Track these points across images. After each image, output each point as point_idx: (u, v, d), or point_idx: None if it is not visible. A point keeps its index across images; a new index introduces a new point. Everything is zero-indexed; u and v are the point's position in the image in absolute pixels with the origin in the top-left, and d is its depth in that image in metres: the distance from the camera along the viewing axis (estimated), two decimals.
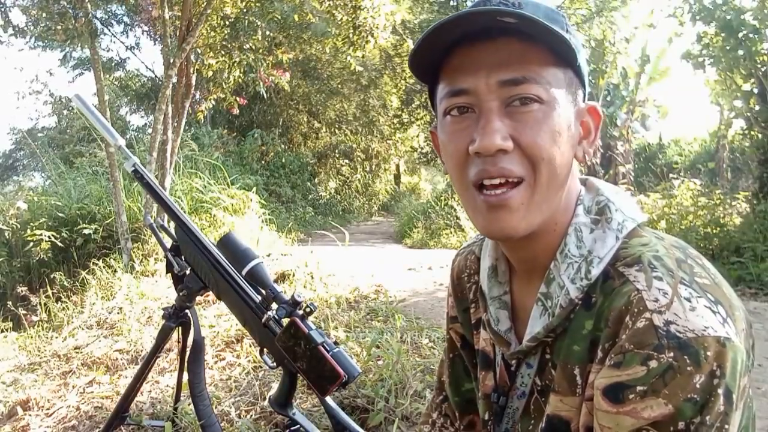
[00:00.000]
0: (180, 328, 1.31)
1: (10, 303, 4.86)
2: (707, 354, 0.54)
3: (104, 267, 4.90)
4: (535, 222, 0.65)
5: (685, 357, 0.54)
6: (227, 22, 6.44)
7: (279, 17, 6.87)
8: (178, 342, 1.42)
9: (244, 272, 1.03)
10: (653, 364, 0.55)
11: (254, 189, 7.27)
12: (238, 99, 7.19)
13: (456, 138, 0.65)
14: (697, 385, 0.53)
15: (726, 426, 0.54)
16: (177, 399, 1.70)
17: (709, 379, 0.54)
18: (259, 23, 6.39)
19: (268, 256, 5.19)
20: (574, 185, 0.70)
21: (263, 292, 1.04)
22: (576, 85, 0.66)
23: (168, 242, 1.23)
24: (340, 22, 6.44)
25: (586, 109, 0.68)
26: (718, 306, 0.58)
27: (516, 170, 0.62)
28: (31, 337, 3.70)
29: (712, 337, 0.54)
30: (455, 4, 13.29)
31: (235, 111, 7.27)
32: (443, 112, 0.67)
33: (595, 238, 0.66)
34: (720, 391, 0.54)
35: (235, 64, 6.54)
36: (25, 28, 6.21)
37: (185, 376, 1.29)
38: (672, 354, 0.54)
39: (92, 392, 2.52)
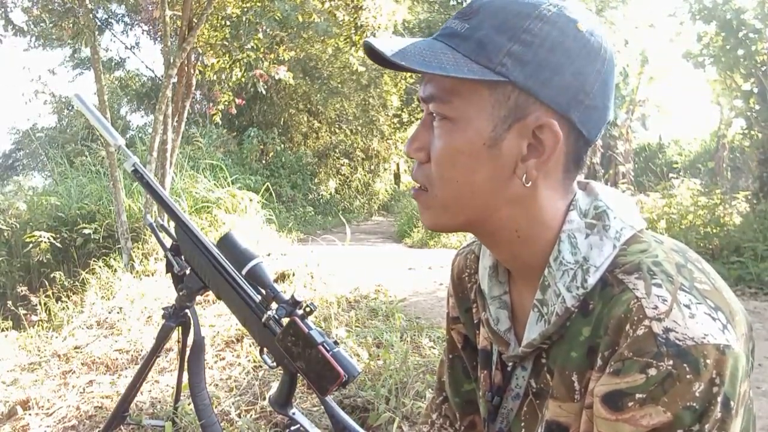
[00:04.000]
0: (180, 328, 1.30)
1: (10, 303, 4.86)
2: (707, 362, 0.54)
3: (104, 267, 4.91)
4: (445, 224, 0.70)
5: (685, 365, 0.54)
6: (228, 22, 6.44)
7: (279, 16, 6.85)
8: (178, 342, 1.42)
9: (243, 272, 1.03)
10: (652, 371, 0.54)
11: (261, 191, 7.23)
12: (236, 99, 7.20)
13: None
14: (697, 393, 0.53)
15: None
16: (177, 399, 1.70)
17: (708, 387, 0.53)
18: (260, 22, 6.39)
19: (268, 256, 5.19)
20: (553, 194, 0.67)
21: (263, 291, 1.03)
22: (517, 101, 0.62)
23: (168, 242, 1.23)
24: (341, 22, 6.44)
25: (538, 125, 0.63)
26: (718, 312, 0.57)
27: (420, 179, 0.69)
28: (31, 336, 3.70)
29: (712, 344, 0.54)
30: (455, 3, 13.28)
31: (233, 111, 7.28)
32: None
33: (590, 244, 0.65)
34: (719, 399, 0.54)
35: (237, 63, 6.54)
36: (25, 28, 6.22)
37: (185, 376, 1.29)
38: (671, 362, 0.54)
39: (92, 392, 2.52)
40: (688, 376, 0.53)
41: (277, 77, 7.00)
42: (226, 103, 7.00)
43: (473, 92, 0.63)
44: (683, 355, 0.54)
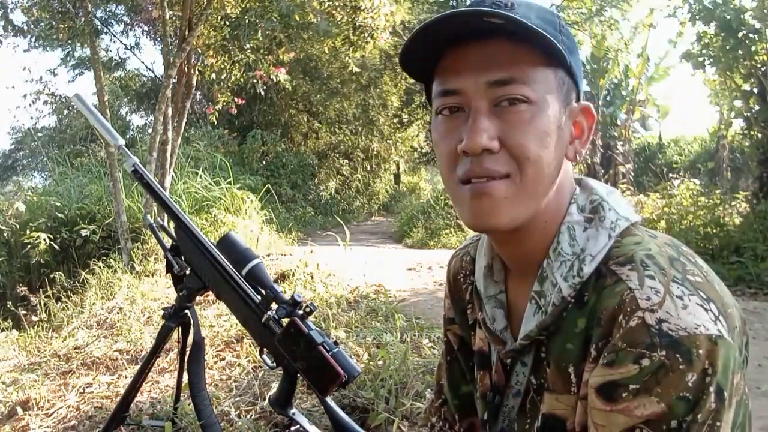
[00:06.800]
0: (180, 328, 1.30)
1: (10, 303, 4.86)
2: (699, 352, 0.54)
3: (104, 267, 4.91)
4: (519, 216, 0.65)
5: (677, 355, 0.54)
6: (227, 22, 6.45)
7: (278, 17, 6.85)
8: (178, 342, 1.42)
9: (243, 272, 1.03)
10: (645, 362, 0.55)
11: (261, 191, 7.20)
12: (236, 99, 7.20)
13: (446, 137, 0.66)
14: (689, 384, 0.54)
15: (718, 423, 0.55)
16: (177, 399, 1.70)
17: (701, 377, 0.54)
18: (259, 22, 6.40)
19: (268, 256, 5.20)
20: (567, 184, 0.70)
21: (263, 292, 1.04)
22: (568, 85, 0.66)
23: (168, 242, 1.23)
24: (339, 23, 6.44)
25: (580, 109, 0.68)
26: (710, 303, 0.58)
27: (501, 169, 0.63)
28: (31, 337, 3.70)
29: (704, 335, 0.55)
30: (455, 4, 13.28)
31: (234, 111, 7.29)
32: (435, 110, 0.68)
33: (588, 236, 0.66)
34: (711, 389, 0.54)
35: (236, 64, 6.54)
36: (25, 28, 6.22)
37: (185, 376, 1.28)
38: (664, 352, 0.54)
39: (92, 392, 2.52)
40: (681, 367, 0.54)
41: (276, 79, 7.00)
42: (225, 103, 7.01)
43: (544, 75, 0.64)
44: (676, 345, 0.54)
